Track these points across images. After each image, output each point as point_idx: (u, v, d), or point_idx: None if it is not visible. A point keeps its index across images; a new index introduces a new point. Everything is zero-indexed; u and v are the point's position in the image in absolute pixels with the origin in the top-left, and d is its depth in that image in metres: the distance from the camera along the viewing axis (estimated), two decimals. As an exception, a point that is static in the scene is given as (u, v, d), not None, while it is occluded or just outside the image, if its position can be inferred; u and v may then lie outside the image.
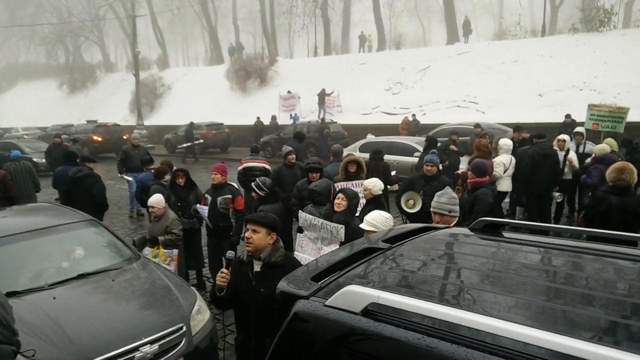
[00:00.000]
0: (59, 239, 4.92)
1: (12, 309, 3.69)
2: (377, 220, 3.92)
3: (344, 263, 2.14)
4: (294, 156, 7.72)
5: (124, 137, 24.73)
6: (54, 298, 4.00)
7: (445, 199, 4.06)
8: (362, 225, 3.99)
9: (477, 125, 13.43)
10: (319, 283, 1.93)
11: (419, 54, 28.70)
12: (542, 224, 2.36)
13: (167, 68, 43.84)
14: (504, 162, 7.72)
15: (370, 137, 15.71)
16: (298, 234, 5.17)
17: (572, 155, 8.54)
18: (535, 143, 8.09)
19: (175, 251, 5.88)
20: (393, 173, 8.46)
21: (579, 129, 9.87)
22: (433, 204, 4.15)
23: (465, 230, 2.51)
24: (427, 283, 1.86)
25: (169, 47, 53.00)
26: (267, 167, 8.28)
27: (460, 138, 11.52)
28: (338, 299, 1.72)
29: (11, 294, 3.95)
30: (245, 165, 8.18)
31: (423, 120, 20.49)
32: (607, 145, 7.44)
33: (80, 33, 49.15)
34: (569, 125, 13.37)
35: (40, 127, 35.91)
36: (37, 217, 5.46)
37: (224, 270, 3.11)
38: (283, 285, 1.98)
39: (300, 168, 7.60)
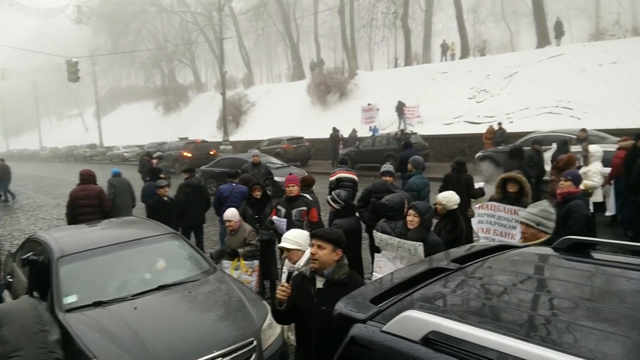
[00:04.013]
0: (143, 251, 5.17)
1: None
2: (301, 239, 3.59)
3: (408, 284, 1.99)
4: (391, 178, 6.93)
5: (211, 153, 26.01)
6: (135, 308, 4.18)
7: (538, 210, 3.67)
8: (283, 244, 3.68)
9: (583, 130, 12.43)
10: (379, 306, 1.80)
11: (505, 59, 27.37)
12: (637, 244, 2.04)
13: (252, 86, 45.66)
14: (600, 170, 7.05)
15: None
16: (376, 254, 4.97)
17: None
18: None
19: (256, 262, 5.96)
20: (481, 185, 8.00)
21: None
22: (524, 213, 3.79)
23: (547, 250, 2.24)
24: (500, 311, 1.65)
25: (254, 66, 55.22)
26: (356, 178, 8.24)
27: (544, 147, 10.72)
28: (396, 325, 1.58)
29: (97, 304, 4.21)
30: (338, 175, 8.20)
31: (510, 128, 19.42)
32: None
33: (174, 57, 52.89)
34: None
35: (138, 145, 38.93)
36: (125, 230, 5.81)
37: (284, 283, 3.08)
38: (340, 306, 1.88)
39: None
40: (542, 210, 3.66)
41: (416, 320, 1.53)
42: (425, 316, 1.53)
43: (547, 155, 10.21)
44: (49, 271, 4.56)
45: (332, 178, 8.25)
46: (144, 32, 53.70)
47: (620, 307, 1.60)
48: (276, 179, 13.07)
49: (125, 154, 38.72)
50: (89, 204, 7.67)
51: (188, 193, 8.08)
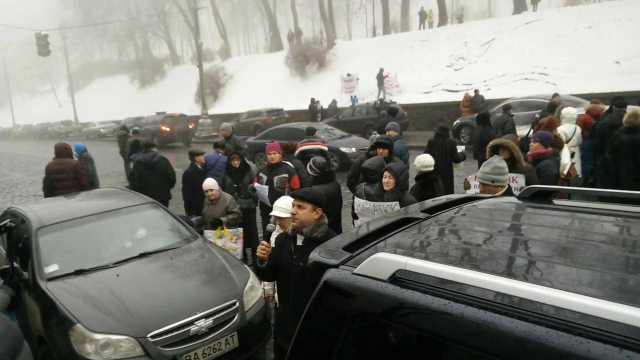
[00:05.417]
0: (123, 221, 5.19)
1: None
2: (290, 206, 3.46)
3: (379, 233, 2.07)
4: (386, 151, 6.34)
5: (190, 127, 25.71)
6: (117, 275, 4.24)
7: (489, 168, 3.91)
8: (274, 213, 3.73)
9: (556, 95, 12.79)
10: (351, 252, 1.89)
11: (482, 26, 27.36)
12: (598, 190, 2.16)
13: (229, 58, 44.85)
14: (565, 131, 7.25)
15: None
16: (355, 220, 5.09)
17: None
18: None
19: (241, 229, 6.03)
20: (462, 149, 8.16)
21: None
22: (478, 174, 4.07)
23: (511, 199, 2.36)
24: (463, 249, 1.76)
25: (231, 37, 54.16)
26: (324, 148, 8.23)
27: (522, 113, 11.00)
28: (366, 267, 1.67)
29: (79, 272, 4.24)
30: (301, 148, 8.16)
31: (488, 95, 19.61)
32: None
33: (148, 29, 51.50)
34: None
35: (115, 121, 38.21)
36: (103, 200, 5.79)
37: (264, 242, 3.17)
38: (315, 255, 1.96)
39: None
40: (493, 167, 3.91)
41: (384, 261, 1.62)
42: (393, 257, 1.62)
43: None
44: (28, 241, 4.56)
45: (296, 152, 8.13)
46: (115, 3, 52.01)
47: (573, 244, 1.71)
48: (342, 149, 13.04)
49: (101, 130, 38.04)
50: (65, 178, 7.58)
51: (141, 170, 7.84)
